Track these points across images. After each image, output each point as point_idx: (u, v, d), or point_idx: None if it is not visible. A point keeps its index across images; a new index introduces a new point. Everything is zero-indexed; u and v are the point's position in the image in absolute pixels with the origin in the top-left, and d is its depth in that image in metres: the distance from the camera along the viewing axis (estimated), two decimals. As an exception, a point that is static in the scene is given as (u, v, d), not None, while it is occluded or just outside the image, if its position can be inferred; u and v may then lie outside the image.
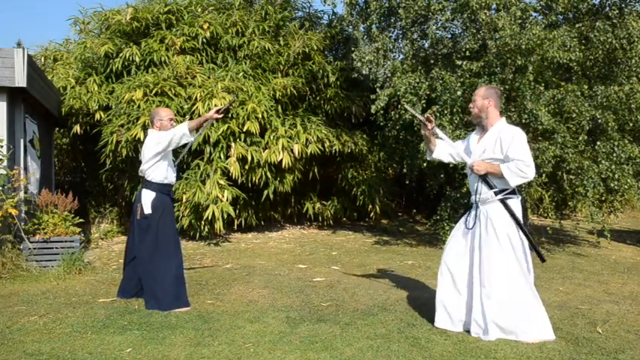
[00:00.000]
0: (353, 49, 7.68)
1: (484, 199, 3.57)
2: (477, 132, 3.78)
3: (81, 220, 6.06)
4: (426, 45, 7.64)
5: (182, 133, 4.09)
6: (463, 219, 3.77)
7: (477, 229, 3.58)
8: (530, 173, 3.43)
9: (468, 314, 3.60)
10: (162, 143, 4.10)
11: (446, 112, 6.55)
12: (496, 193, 3.52)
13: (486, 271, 3.47)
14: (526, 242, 3.54)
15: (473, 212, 3.65)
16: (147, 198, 4.19)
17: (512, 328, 3.43)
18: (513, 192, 3.55)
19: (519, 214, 3.54)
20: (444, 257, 3.75)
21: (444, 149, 3.87)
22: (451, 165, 6.79)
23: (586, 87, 6.43)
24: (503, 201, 3.50)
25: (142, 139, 6.83)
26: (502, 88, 6.29)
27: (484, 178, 3.55)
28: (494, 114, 3.62)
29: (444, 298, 3.69)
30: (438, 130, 3.81)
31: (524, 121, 6.37)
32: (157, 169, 4.20)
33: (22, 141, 6.16)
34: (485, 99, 3.60)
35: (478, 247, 3.54)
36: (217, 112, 4.23)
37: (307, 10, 9.60)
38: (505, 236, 3.47)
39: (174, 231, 4.31)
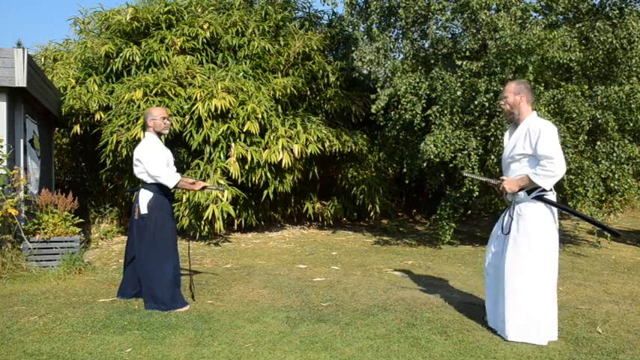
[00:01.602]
0: (353, 49, 7.69)
1: (518, 200, 3.54)
2: (511, 128, 3.73)
3: (81, 220, 6.06)
4: (426, 45, 7.64)
5: (167, 182, 4.16)
6: (500, 220, 3.75)
7: (511, 229, 3.55)
8: (559, 170, 3.34)
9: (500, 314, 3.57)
10: (148, 170, 4.15)
11: (446, 112, 6.55)
12: (529, 192, 3.48)
13: (512, 270, 3.46)
14: (556, 242, 3.50)
15: (508, 213, 3.63)
16: (144, 198, 4.20)
17: (530, 329, 3.40)
18: (550, 189, 3.48)
19: (554, 210, 3.51)
20: (486, 258, 3.79)
21: None
22: (451, 165, 6.81)
23: (586, 87, 6.43)
24: (539, 197, 3.44)
25: (141, 139, 6.82)
26: (502, 88, 6.29)
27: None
28: (527, 109, 3.58)
29: (489, 298, 3.71)
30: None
31: (524, 121, 6.37)
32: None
33: (22, 141, 6.16)
34: (517, 94, 3.57)
35: (510, 245, 3.52)
36: (202, 188, 4.38)
37: (307, 10, 9.61)
38: (536, 236, 3.43)
39: (171, 232, 4.29)
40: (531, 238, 3.43)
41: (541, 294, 3.41)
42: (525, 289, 3.41)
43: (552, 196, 3.51)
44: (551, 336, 3.45)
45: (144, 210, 4.18)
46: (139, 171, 4.25)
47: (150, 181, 4.21)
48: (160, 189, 4.24)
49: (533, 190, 3.46)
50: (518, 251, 3.45)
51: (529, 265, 3.42)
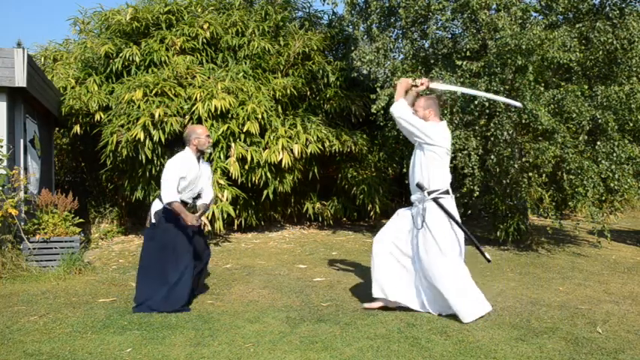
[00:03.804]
0: (353, 49, 7.69)
1: (420, 199, 4.01)
2: None
3: (81, 220, 6.06)
4: (426, 45, 7.64)
5: (163, 195, 4.11)
6: (404, 213, 4.19)
7: (415, 223, 4.03)
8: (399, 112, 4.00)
9: (415, 294, 4.07)
10: (165, 197, 4.12)
11: (446, 112, 6.55)
12: (429, 194, 3.93)
13: (425, 258, 3.90)
14: (459, 233, 3.98)
15: (414, 210, 4.08)
16: (155, 208, 4.28)
17: (453, 305, 3.84)
18: (446, 192, 3.99)
19: (454, 212, 3.98)
20: (383, 241, 4.15)
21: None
22: (451, 165, 6.80)
23: (586, 87, 6.43)
24: (436, 200, 3.91)
25: (141, 139, 6.83)
26: (502, 88, 6.30)
27: (418, 181, 3.99)
28: (435, 120, 4.08)
29: (385, 275, 4.09)
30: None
31: (524, 121, 6.38)
32: None
33: (22, 141, 6.16)
34: (426, 109, 4.08)
35: (421, 241, 3.94)
36: (196, 219, 4.21)
37: (307, 10, 9.60)
38: (439, 230, 3.89)
39: (181, 243, 4.20)
40: (439, 230, 3.89)
41: (463, 274, 3.91)
42: (452, 274, 3.85)
43: (450, 199, 4.02)
44: (480, 310, 3.88)
45: (153, 219, 4.25)
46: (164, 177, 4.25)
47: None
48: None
49: (433, 192, 3.95)
50: (429, 246, 3.88)
51: (447, 252, 3.87)
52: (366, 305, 4.19)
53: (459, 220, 3.96)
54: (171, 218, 4.19)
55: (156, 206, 4.29)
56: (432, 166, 3.95)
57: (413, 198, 4.11)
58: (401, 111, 4.02)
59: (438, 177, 3.96)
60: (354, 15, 7.55)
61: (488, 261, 4.15)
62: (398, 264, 4.11)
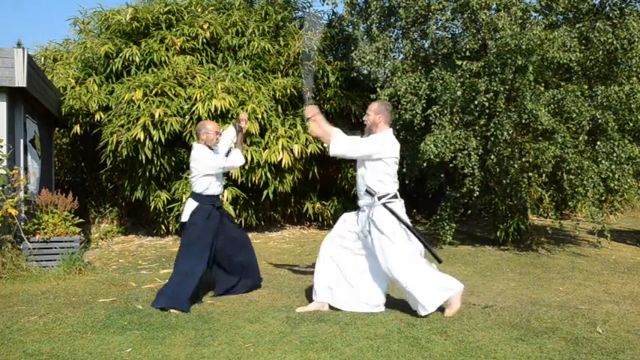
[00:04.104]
0: (353, 49, 7.68)
1: (369, 204, 3.99)
2: None
3: (81, 220, 6.06)
4: (426, 45, 7.64)
5: (236, 162, 4.60)
6: (351, 218, 4.18)
7: (366, 229, 4.01)
8: (339, 144, 3.94)
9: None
10: (210, 167, 4.35)
11: (446, 112, 6.55)
12: (379, 198, 3.95)
13: (383, 259, 3.90)
14: (411, 236, 3.98)
15: (362, 215, 4.07)
16: (189, 207, 4.39)
17: (436, 295, 3.89)
18: (395, 197, 4.02)
19: (404, 216, 4.00)
20: (330, 247, 4.13)
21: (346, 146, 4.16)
22: (451, 165, 6.81)
23: (586, 87, 6.43)
24: (385, 205, 3.94)
25: (141, 139, 6.83)
26: (502, 88, 6.30)
27: (367, 187, 3.99)
28: (383, 127, 4.11)
29: (331, 281, 4.09)
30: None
31: (524, 121, 6.37)
32: (199, 180, 4.37)
33: (21, 141, 6.16)
34: (377, 114, 4.11)
35: (377, 244, 3.93)
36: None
37: (307, 10, 9.60)
38: (392, 232, 3.90)
39: (206, 240, 4.32)
40: (391, 232, 3.89)
41: (422, 267, 3.95)
42: (411, 270, 3.88)
43: (399, 203, 4.04)
44: (456, 285, 3.98)
45: (185, 217, 4.37)
46: (193, 178, 4.43)
47: (198, 190, 4.37)
48: (206, 200, 4.36)
49: (383, 197, 3.97)
50: (386, 247, 3.88)
51: (402, 252, 3.88)
52: (300, 310, 4.14)
53: (409, 224, 4.00)
54: (211, 218, 4.35)
55: (190, 206, 4.38)
56: (381, 172, 4.00)
57: (361, 203, 4.10)
58: (341, 149, 3.96)
59: (387, 183, 4.01)
60: (354, 15, 7.55)
61: (440, 261, 4.19)
62: (338, 269, 4.13)
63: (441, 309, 4.01)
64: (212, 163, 4.34)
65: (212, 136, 4.39)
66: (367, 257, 4.13)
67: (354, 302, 4.10)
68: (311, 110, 4.09)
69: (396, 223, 3.94)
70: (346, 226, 4.17)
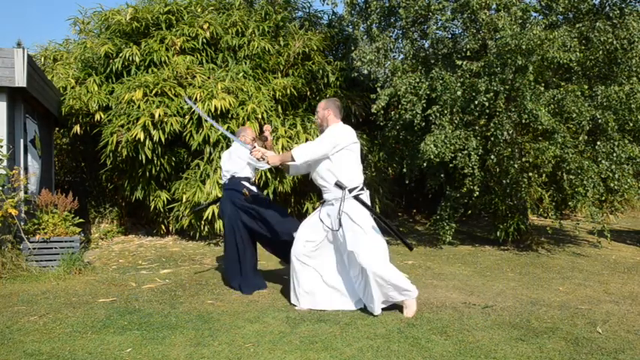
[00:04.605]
0: (353, 48, 7.68)
1: (338, 198, 4.01)
2: None
3: (81, 220, 6.06)
4: (426, 45, 7.64)
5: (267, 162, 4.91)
6: (313, 220, 4.21)
7: (336, 223, 4.01)
8: (302, 149, 3.98)
9: (351, 294, 4.14)
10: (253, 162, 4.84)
11: (446, 112, 6.55)
12: (350, 191, 3.98)
13: (356, 250, 3.89)
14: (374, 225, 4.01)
15: (331, 209, 4.09)
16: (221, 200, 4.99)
17: (390, 296, 3.93)
18: (362, 189, 4.05)
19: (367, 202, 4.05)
20: (302, 254, 4.14)
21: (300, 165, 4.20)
22: (451, 165, 6.81)
23: (586, 87, 6.43)
24: (357, 197, 3.98)
25: (142, 139, 6.83)
26: (502, 88, 6.30)
27: (337, 181, 4.00)
28: (334, 120, 4.15)
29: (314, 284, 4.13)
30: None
31: (524, 121, 6.37)
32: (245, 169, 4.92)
33: (21, 141, 6.16)
34: (325, 110, 4.16)
35: (348, 237, 3.93)
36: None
37: (307, 10, 9.60)
38: (366, 224, 3.93)
39: (237, 230, 4.77)
40: (364, 223, 3.92)
41: (389, 266, 3.96)
42: (381, 264, 3.90)
43: (366, 194, 4.08)
44: (412, 295, 3.99)
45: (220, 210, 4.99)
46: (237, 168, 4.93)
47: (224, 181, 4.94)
48: (228, 194, 4.84)
49: (353, 189, 3.99)
50: (360, 239, 3.90)
51: (373, 244, 3.91)
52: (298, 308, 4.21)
53: (379, 214, 4.09)
54: (235, 210, 4.78)
55: (221, 199, 5.09)
56: (349, 162, 4.02)
57: (329, 197, 4.10)
58: (306, 154, 3.99)
59: (355, 174, 4.05)
60: (354, 15, 7.55)
61: (411, 249, 4.29)
62: (317, 273, 4.16)
63: (401, 308, 4.05)
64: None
65: (248, 140, 4.91)
66: (340, 254, 4.13)
67: (336, 301, 4.14)
68: (257, 153, 4.17)
69: (368, 214, 3.98)
70: (313, 229, 4.18)
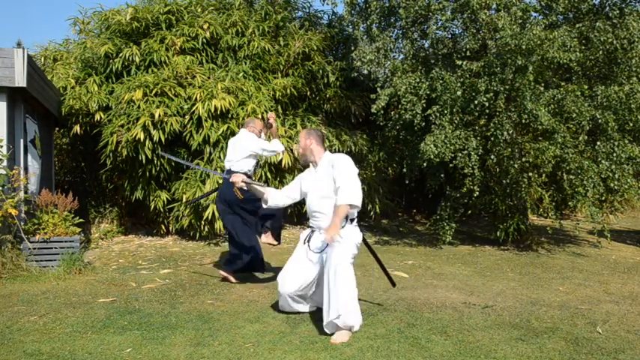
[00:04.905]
0: (353, 48, 7.69)
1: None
2: (311, 169, 4.08)
3: (81, 220, 6.06)
4: (426, 45, 7.64)
5: (277, 147, 5.21)
6: (301, 250, 3.99)
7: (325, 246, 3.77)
8: (355, 189, 3.68)
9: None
10: (265, 148, 5.08)
11: (446, 112, 6.55)
12: (351, 221, 3.79)
13: (336, 261, 3.60)
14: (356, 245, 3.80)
15: (318, 235, 3.86)
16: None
17: (352, 321, 3.55)
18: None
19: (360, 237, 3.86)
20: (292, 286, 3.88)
21: (279, 196, 4.16)
22: (451, 165, 6.81)
23: (586, 87, 6.43)
24: (355, 223, 3.81)
25: (142, 139, 6.83)
26: (502, 88, 6.30)
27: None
28: (318, 150, 3.97)
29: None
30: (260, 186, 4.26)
31: (524, 121, 6.38)
32: (245, 161, 5.01)
33: (21, 141, 6.16)
34: (307, 139, 4.00)
35: (327, 254, 3.70)
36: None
37: (307, 10, 9.61)
38: (354, 245, 3.73)
39: (234, 221, 4.98)
40: (354, 245, 3.73)
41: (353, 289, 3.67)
42: (351, 285, 3.59)
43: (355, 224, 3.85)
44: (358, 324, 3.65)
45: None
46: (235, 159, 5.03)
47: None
48: (222, 186, 5.03)
49: (354, 220, 3.82)
50: (347, 252, 3.64)
51: (347, 266, 3.61)
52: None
53: (369, 245, 4.20)
54: (228, 202, 4.95)
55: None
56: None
57: (326, 225, 3.79)
58: (358, 198, 3.71)
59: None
60: (354, 15, 7.55)
61: (394, 285, 4.37)
62: (305, 293, 4.00)
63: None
64: (258, 143, 5.00)
65: (256, 132, 5.08)
66: (319, 270, 3.91)
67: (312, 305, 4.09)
68: (237, 177, 4.31)
69: (359, 242, 3.83)
70: (297, 256, 4.00)
